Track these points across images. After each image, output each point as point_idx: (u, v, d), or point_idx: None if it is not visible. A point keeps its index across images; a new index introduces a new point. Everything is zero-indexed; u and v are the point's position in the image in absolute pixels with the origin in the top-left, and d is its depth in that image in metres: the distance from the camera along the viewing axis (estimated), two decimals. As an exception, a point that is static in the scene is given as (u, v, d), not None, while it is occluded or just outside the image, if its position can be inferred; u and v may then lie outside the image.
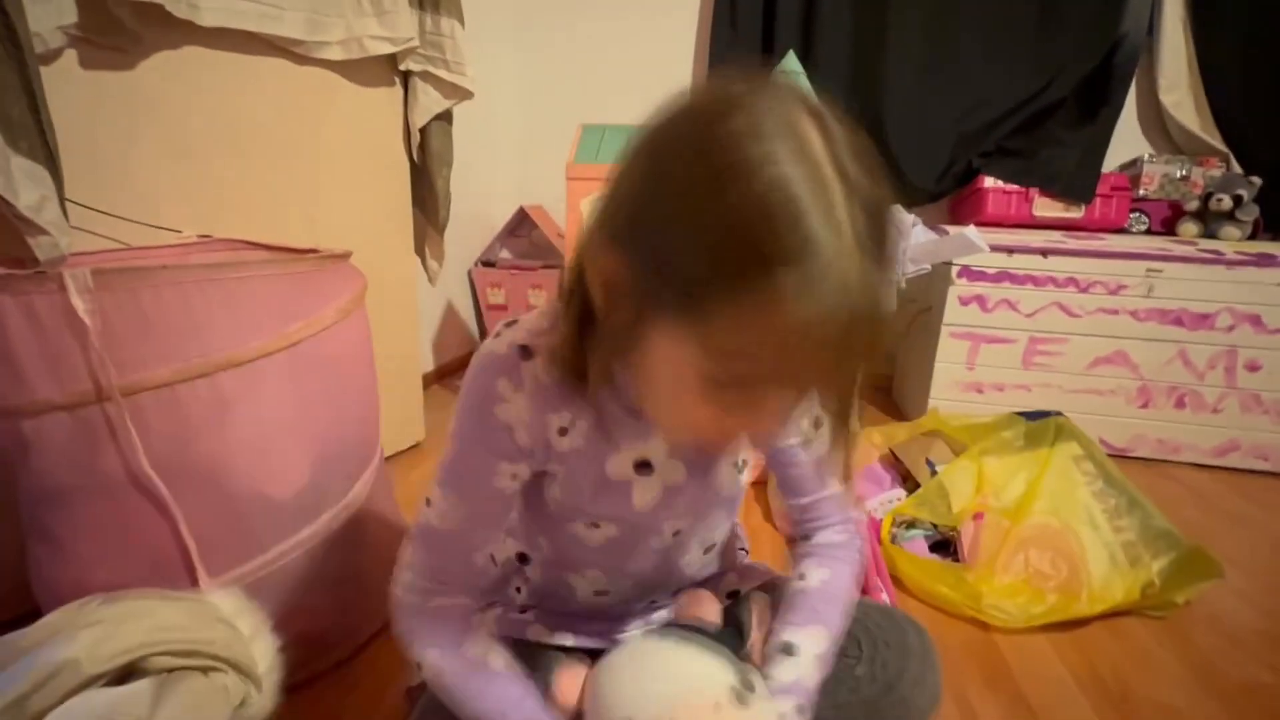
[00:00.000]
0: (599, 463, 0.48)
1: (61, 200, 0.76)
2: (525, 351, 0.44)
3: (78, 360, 0.59)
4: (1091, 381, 1.63)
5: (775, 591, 0.58)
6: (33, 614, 0.60)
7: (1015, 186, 1.76)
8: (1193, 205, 1.68)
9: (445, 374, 2.09)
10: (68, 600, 0.59)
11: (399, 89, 1.30)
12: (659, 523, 0.52)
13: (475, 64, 1.35)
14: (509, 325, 0.46)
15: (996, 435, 1.15)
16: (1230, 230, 1.62)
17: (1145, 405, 1.62)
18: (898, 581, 1.04)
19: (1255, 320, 1.52)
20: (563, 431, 0.46)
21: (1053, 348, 1.63)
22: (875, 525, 1.11)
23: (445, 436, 0.47)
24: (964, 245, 1.50)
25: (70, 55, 0.84)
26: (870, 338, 0.32)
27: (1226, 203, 1.61)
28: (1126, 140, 1.88)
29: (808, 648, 0.49)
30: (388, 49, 1.19)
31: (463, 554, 0.49)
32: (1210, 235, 1.65)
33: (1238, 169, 1.77)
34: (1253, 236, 1.66)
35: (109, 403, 0.60)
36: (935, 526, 1.10)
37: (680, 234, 0.32)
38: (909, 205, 1.85)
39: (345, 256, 0.82)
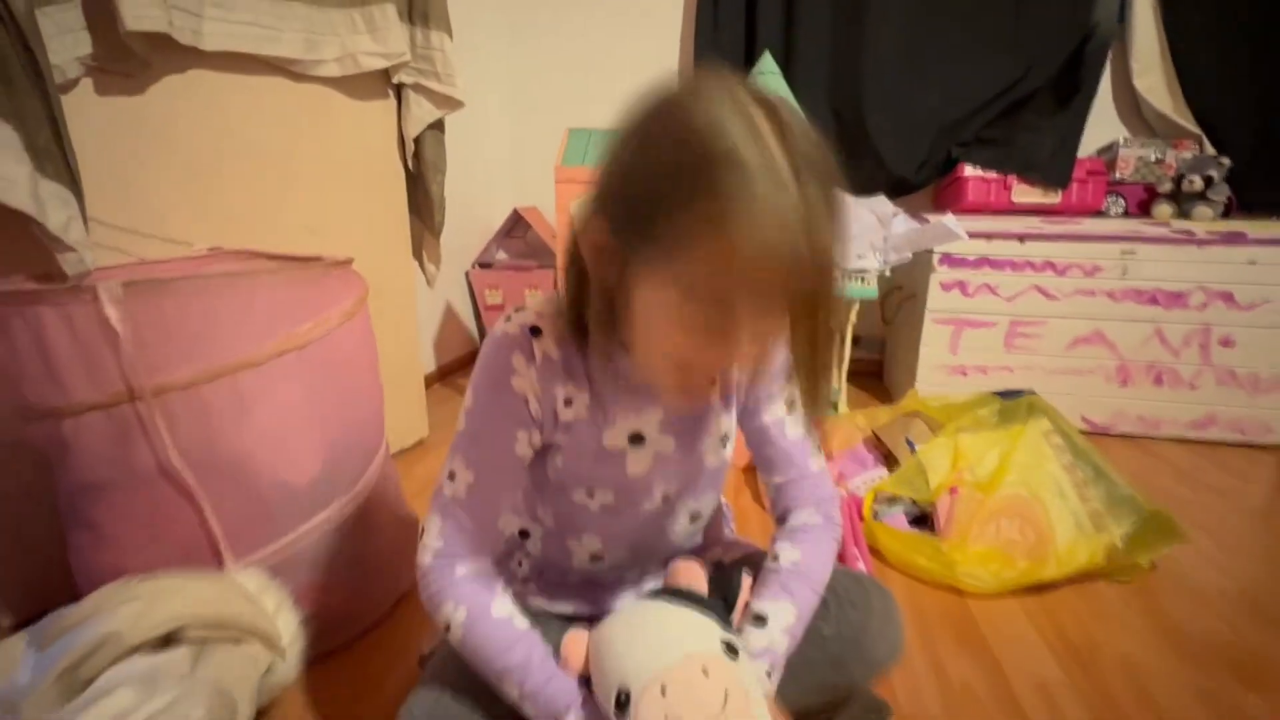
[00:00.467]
0: (597, 435, 0.54)
1: (84, 219, 0.82)
2: (535, 331, 0.50)
3: (111, 364, 0.65)
4: (1071, 362, 1.68)
5: (757, 565, 0.63)
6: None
7: (994, 174, 1.81)
8: (1166, 187, 1.73)
9: (446, 373, 2.15)
10: (107, 582, 0.66)
11: (393, 101, 1.36)
12: (650, 488, 0.58)
13: (466, 73, 1.40)
14: (518, 310, 0.52)
15: (972, 414, 1.21)
16: (1203, 210, 1.67)
17: (1125, 383, 1.67)
18: (879, 554, 1.10)
19: (1228, 298, 1.57)
20: (567, 403, 0.52)
21: (1033, 330, 1.68)
22: (857, 502, 1.16)
23: (458, 418, 0.52)
24: (943, 233, 1.55)
25: (86, 83, 0.90)
26: (816, 281, 0.38)
27: (1198, 184, 1.65)
28: (1103, 125, 1.93)
29: (776, 620, 0.54)
30: (381, 64, 1.25)
31: (488, 519, 0.53)
32: (1184, 216, 1.69)
33: (1211, 150, 1.81)
34: (1225, 215, 1.70)
35: (140, 402, 0.66)
36: (915, 502, 1.15)
37: (645, 186, 0.39)
38: (893, 196, 1.90)
39: (347, 263, 0.88)
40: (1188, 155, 1.75)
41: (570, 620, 0.63)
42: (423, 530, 0.54)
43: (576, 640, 0.52)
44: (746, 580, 0.57)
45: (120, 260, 0.92)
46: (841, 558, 1.01)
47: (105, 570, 0.69)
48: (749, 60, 1.99)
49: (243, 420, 0.72)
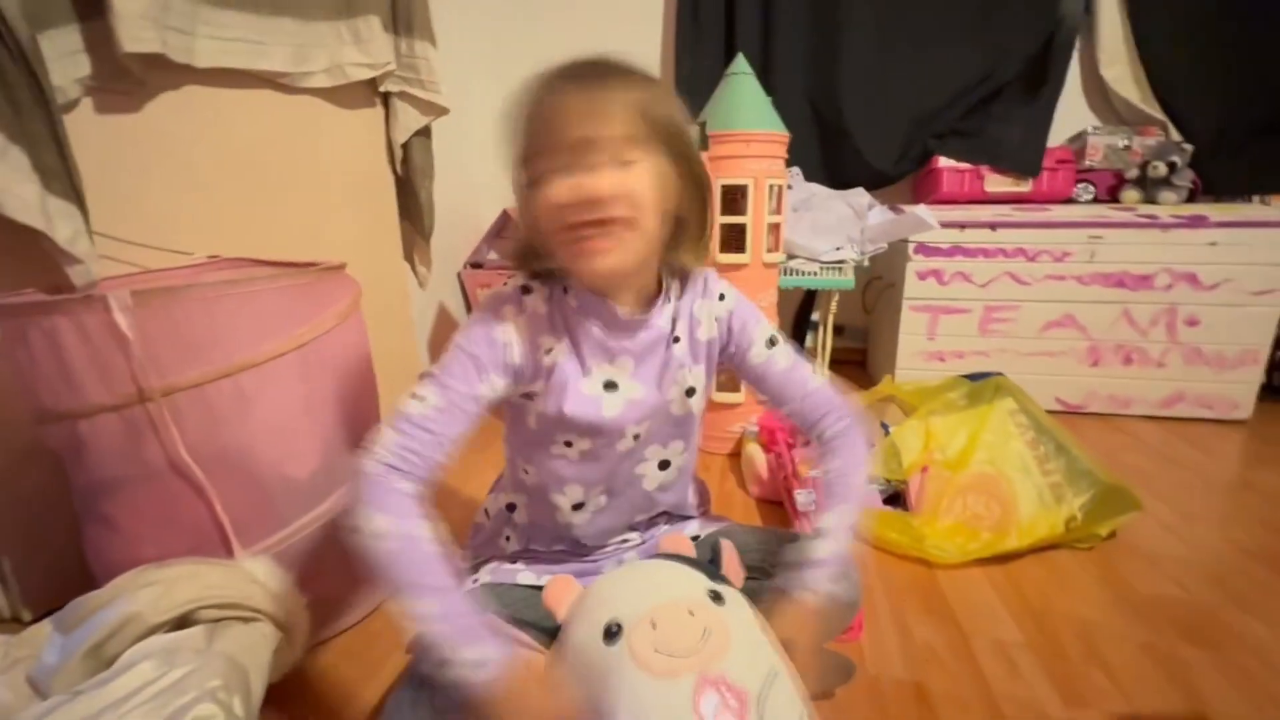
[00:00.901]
0: (577, 383, 0.62)
1: (89, 232, 0.87)
2: (525, 289, 0.62)
3: (122, 368, 0.70)
4: (1044, 344, 1.74)
5: (733, 536, 0.70)
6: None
7: (967, 165, 1.87)
8: (1133, 174, 1.78)
9: (441, 373, 2.19)
10: (123, 572, 0.71)
11: (380, 110, 1.41)
12: (623, 428, 0.65)
13: (451, 79, 1.45)
14: (512, 276, 0.64)
15: (943, 396, 1.27)
16: (1168, 195, 1.72)
17: (1095, 364, 1.73)
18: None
19: (1192, 279, 1.63)
20: (548, 351, 0.61)
21: (1006, 315, 1.74)
22: (834, 483, 1.22)
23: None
24: (916, 223, 1.61)
25: (86, 103, 0.94)
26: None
27: (1162, 169, 1.71)
28: (1073, 114, 1.98)
29: (834, 523, 0.61)
30: (368, 74, 1.29)
31: (432, 443, 0.56)
32: (1150, 201, 1.75)
33: (1176, 136, 1.87)
34: (1190, 199, 1.76)
35: (150, 403, 0.71)
36: (889, 481, 1.21)
37: (514, 123, 0.55)
38: (873, 188, 1.96)
39: (341, 268, 0.93)
40: (1153, 142, 1.81)
41: None
42: (374, 440, 0.56)
43: (566, 581, 0.56)
44: (726, 546, 0.62)
45: (125, 270, 0.97)
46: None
47: (121, 561, 0.74)
48: (729, 59, 2.04)
49: (246, 417, 0.77)
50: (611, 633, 0.48)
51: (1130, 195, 1.78)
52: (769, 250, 1.45)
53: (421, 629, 0.50)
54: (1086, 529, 1.07)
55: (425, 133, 1.47)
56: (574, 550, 0.72)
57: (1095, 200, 1.87)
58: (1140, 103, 1.90)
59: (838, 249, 1.66)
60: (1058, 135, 1.92)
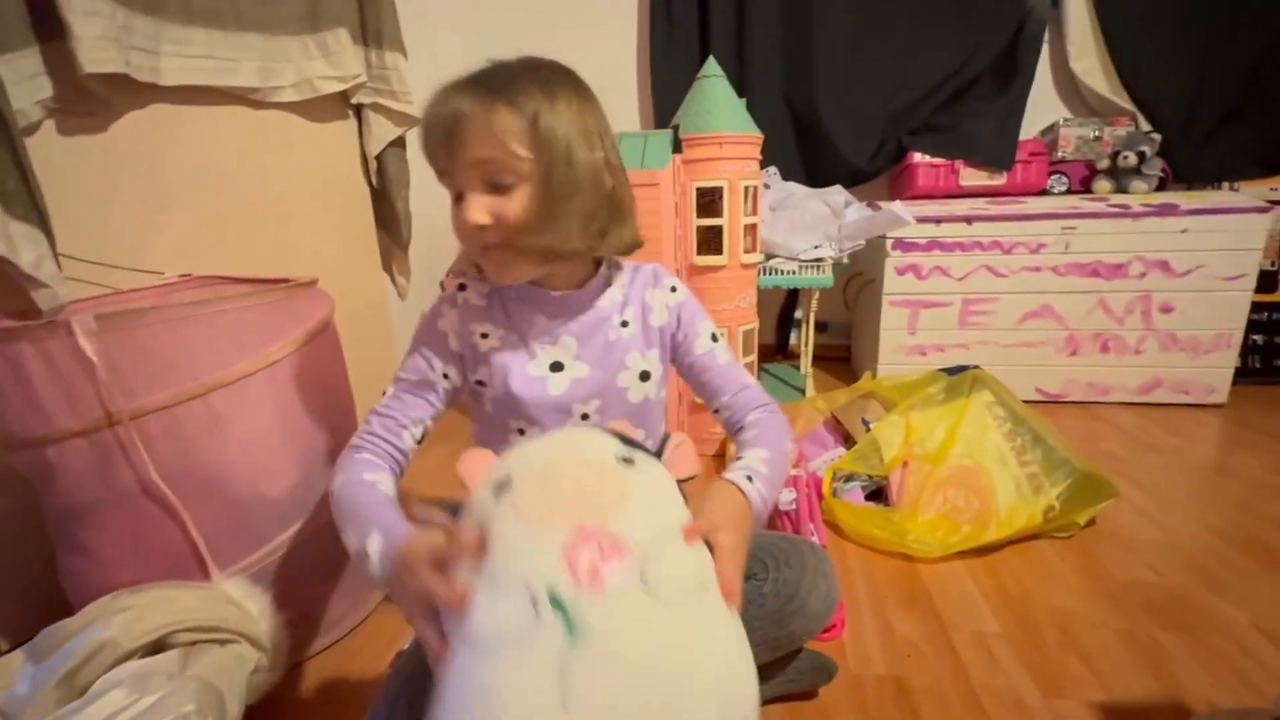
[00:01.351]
0: (523, 365, 0.65)
1: (55, 256, 0.86)
2: (461, 287, 0.68)
3: (89, 393, 0.69)
4: (1023, 335, 1.76)
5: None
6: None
7: (942, 160, 1.88)
8: (1104, 164, 1.81)
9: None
10: (98, 598, 0.70)
11: (353, 121, 1.40)
12: (570, 407, 0.66)
13: (424, 89, 1.44)
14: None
15: (922, 391, 1.28)
16: (1138, 184, 1.75)
17: (1074, 353, 1.75)
18: (837, 529, 1.16)
19: (1164, 266, 1.65)
20: (484, 336, 0.66)
21: (985, 307, 1.76)
22: (817, 482, 1.23)
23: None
24: (892, 220, 1.62)
25: (49, 125, 0.94)
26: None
27: (1132, 159, 1.73)
28: (1046, 107, 2.00)
29: (752, 455, 0.60)
30: (337, 87, 1.29)
31: (394, 426, 0.65)
32: (1122, 190, 1.78)
33: (1146, 126, 1.90)
34: (1161, 187, 1.79)
35: (119, 427, 0.71)
36: (871, 477, 1.22)
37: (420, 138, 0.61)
38: (850, 185, 1.97)
39: (313, 283, 0.93)
40: (1123, 132, 1.83)
41: None
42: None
43: (482, 454, 0.49)
44: (678, 437, 0.54)
45: (95, 292, 0.96)
46: (796, 532, 1.08)
47: (95, 587, 0.74)
48: (704, 59, 2.05)
49: (218, 438, 0.76)
50: (502, 487, 0.44)
51: (1103, 186, 1.80)
52: (746, 251, 1.45)
53: (348, 546, 0.55)
54: (1065, 518, 1.08)
55: (400, 143, 1.46)
56: None
57: (1068, 191, 1.89)
58: (1109, 94, 1.93)
59: (816, 247, 1.67)
60: (1030, 128, 1.94)
